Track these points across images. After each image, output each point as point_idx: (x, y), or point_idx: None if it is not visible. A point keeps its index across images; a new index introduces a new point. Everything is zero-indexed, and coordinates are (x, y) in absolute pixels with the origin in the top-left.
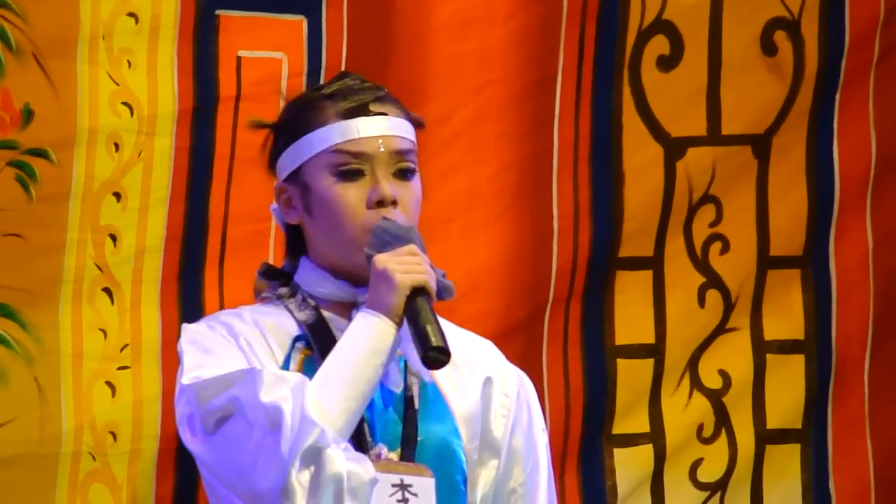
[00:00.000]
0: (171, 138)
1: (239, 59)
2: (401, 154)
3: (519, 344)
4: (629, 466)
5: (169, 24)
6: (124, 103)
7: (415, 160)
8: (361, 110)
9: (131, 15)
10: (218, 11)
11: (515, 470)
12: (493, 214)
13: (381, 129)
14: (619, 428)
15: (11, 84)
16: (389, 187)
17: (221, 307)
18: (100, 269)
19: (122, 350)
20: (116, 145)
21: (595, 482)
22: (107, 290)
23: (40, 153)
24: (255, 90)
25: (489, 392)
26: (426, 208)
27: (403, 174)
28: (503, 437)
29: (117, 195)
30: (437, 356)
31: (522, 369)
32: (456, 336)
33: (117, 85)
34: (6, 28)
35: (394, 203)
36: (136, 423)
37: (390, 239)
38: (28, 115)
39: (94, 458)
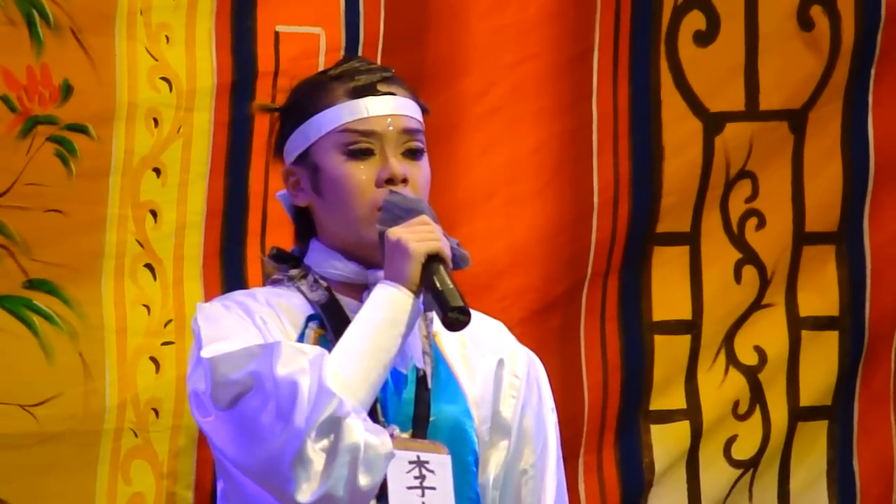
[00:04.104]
0: (210, 113)
1: (277, 34)
2: (410, 133)
3: (557, 319)
4: (666, 443)
5: (206, 0)
6: (163, 78)
7: (423, 140)
8: (369, 90)
9: None
10: None
11: (526, 451)
12: (534, 189)
13: (389, 107)
14: (655, 404)
15: (50, 59)
16: (399, 166)
17: (264, 282)
18: (141, 245)
19: (165, 325)
20: (156, 120)
21: (632, 459)
22: (149, 266)
23: (80, 129)
24: (294, 65)
25: (500, 373)
26: (466, 183)
27: (413, 154)
28: (513, 418)
29: (157, 171)
30: (457, 316)
31: (560, 344)
32: None
33: (156, 60)
34: (44, 4)
35: (404, 181)
36: (179, 400)
37: (401, 213)
38: (67, 90)
39: (135, 435)
